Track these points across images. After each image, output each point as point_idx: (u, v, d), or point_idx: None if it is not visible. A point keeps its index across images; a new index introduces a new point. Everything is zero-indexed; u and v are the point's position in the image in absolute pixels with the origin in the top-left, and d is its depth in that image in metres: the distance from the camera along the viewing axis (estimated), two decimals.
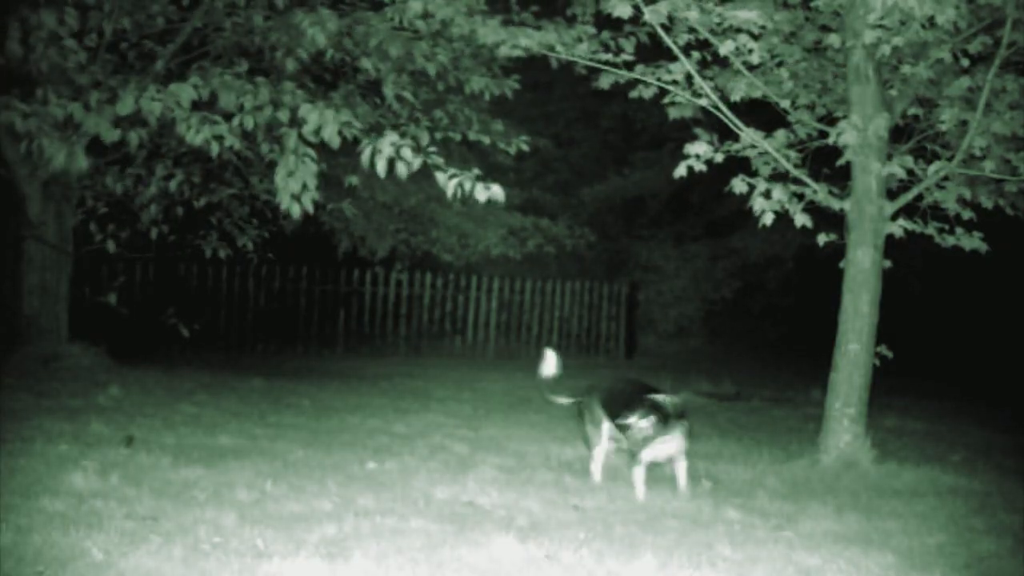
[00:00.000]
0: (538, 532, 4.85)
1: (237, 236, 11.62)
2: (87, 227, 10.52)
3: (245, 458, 6.20)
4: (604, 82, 7.60)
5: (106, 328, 11.22)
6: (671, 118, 7.68)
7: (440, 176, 6.75)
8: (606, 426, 6.00)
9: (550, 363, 6.36)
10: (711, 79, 7.39)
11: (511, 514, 5.22)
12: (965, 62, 6.81)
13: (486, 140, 10.56)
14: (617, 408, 5.79)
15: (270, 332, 14.18)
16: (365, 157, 6.89)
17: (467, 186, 6.74)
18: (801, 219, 6.98)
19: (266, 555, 4.24)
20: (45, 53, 8.21)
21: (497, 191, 6.68)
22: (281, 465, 6.09)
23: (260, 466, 5.98)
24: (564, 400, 6.42)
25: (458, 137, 10.41)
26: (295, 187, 7.41)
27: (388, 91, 9.32)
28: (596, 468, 6.14)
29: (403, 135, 7.07)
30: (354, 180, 9.82)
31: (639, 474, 5.76)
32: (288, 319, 14.36)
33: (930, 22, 6.28)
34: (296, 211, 7.46)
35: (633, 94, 7.66)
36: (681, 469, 5.93)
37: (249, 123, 7.76)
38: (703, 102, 7.21)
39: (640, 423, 5.62)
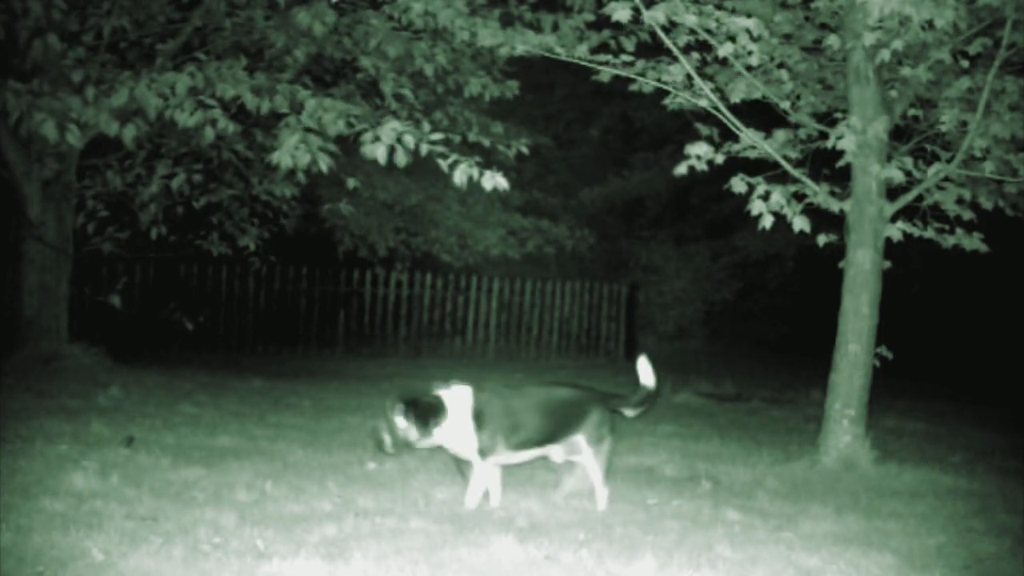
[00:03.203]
0: (538, 533, 4.85)
1: (238, 237, 11.61)
2: (86, 227, 10.50)
3: (245, 459, 6.21)
4: (605, 75, 7.54)
5: (106, 328, 11.22)
6: (670, 108, 7.67)
7: (443, 164, 6.70)
8: None
9: (646, 372, 5.60)
10: (711, 78, 7.39)
11: (511, 514, 5.22)
12: (965, 63, 6.81)
13: (486, 142, 10.56)
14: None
15: (270, 333, 14.17)
16: (366, 144, 6.83)
17: (473, 174, 6.74)
18: (799, 223, 6.78)
19: (266, 556, 4.24)
20: (31, 43, 8.16)
21: (501, 180, 6.70)
22: (281, 466, 6.09)
23: (260, 467, 5.98)
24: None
25: (458, 139, 10.41)
26: (301, 161, 7.25)
27: (387, 88, 9.31)
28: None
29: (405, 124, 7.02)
30: (355, 182, 9.81)
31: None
32: (288, 320, 14.35)
33: (929, 24, 6.28)
34: (287, 163, 7.21)
35: (633, 87, 7.65)
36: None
37: (250, 103, 7.66)
38: (703, 103, 7.21)
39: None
